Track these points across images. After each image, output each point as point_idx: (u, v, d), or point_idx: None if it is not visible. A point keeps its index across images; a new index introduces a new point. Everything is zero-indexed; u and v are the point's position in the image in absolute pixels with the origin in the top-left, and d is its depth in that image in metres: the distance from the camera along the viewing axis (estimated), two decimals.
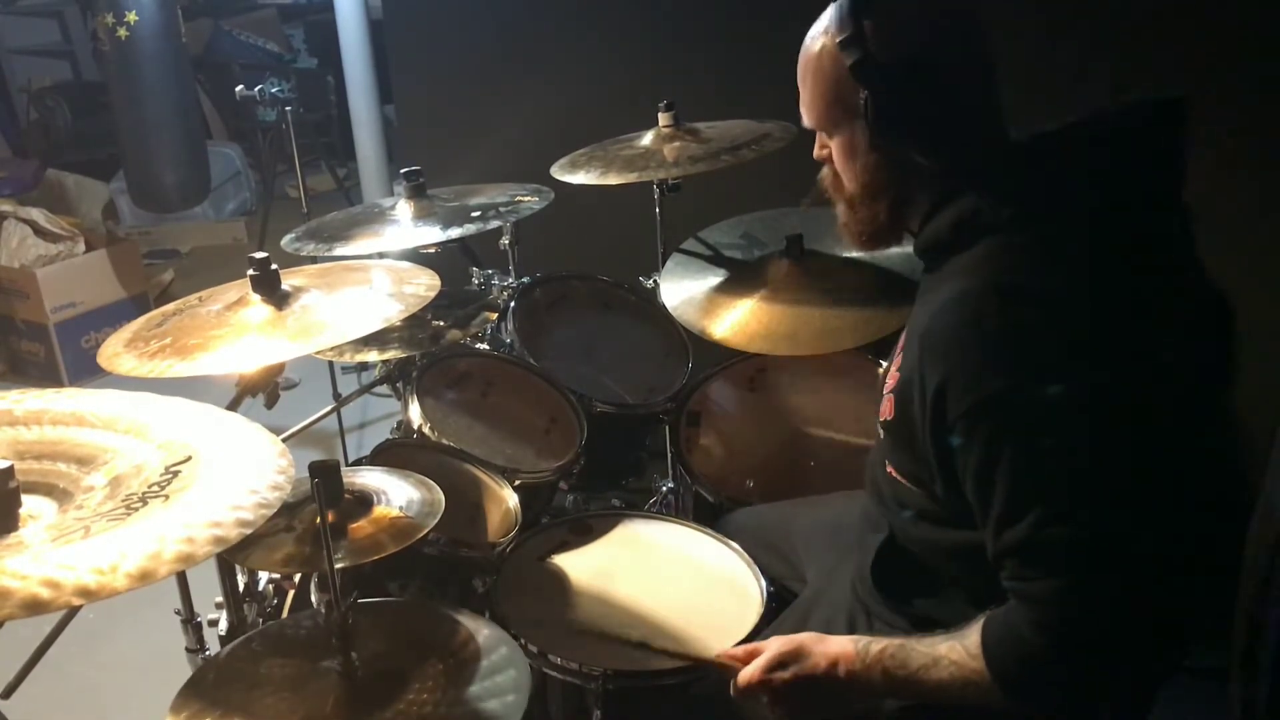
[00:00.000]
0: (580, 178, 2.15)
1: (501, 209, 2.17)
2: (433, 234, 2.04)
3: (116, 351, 1.47)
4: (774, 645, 1.27)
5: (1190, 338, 1.22)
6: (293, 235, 2.10)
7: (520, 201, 2.21)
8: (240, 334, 1.47)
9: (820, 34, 1.22)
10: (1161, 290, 1.21)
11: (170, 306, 1.63)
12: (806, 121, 1.29)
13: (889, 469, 1.30)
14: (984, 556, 1.15)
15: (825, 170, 1.32)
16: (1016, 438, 1.08)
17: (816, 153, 1.32)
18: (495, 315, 2.30)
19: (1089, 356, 1.10)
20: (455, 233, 2.04)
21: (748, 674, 1.27)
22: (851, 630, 1.35)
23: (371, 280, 1.69)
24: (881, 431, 1.30)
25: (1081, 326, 1.11)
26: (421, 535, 1.45)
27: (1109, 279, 1.15)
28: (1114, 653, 1.08)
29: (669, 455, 2.17)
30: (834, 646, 1.22)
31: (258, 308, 1.52)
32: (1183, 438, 1.21)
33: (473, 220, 2.08)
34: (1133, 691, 1.24)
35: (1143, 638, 1.11)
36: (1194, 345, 1.22)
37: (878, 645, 1.19)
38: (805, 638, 1.26)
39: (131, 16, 3.84)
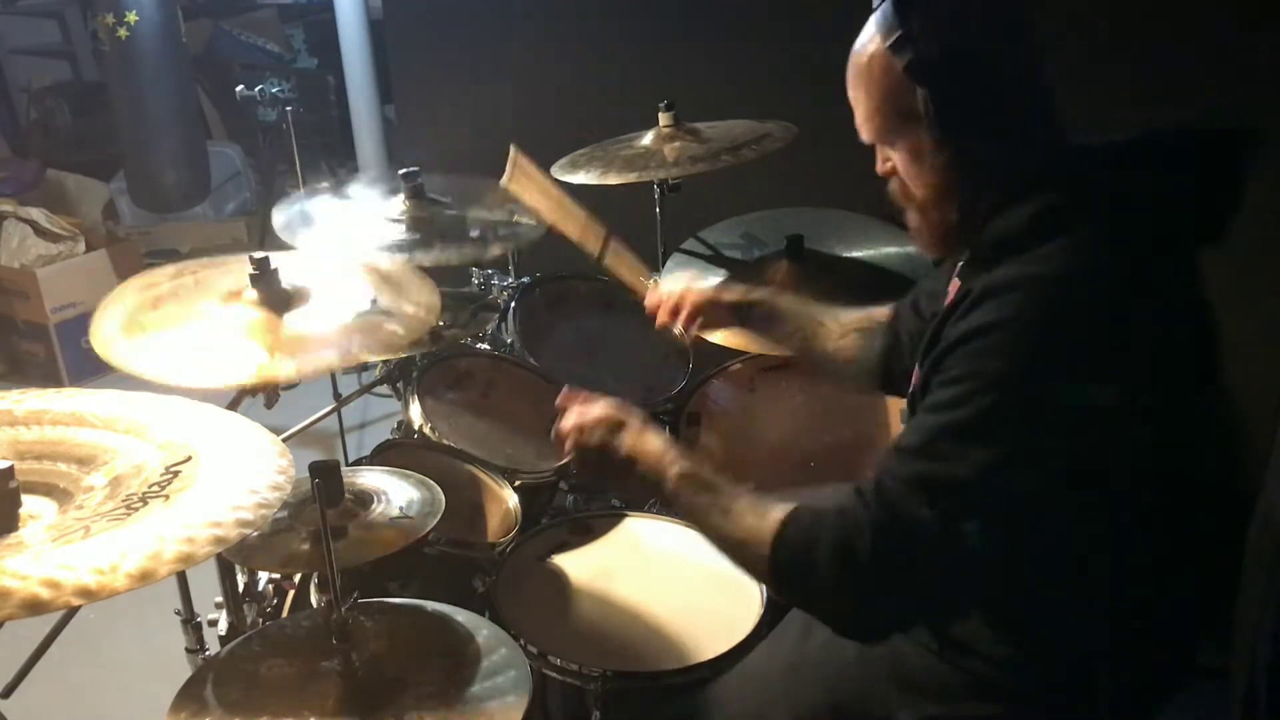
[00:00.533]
0: (580, 178, 2.15)
1: (500, 231, 2.14)
2: (430, 256, 2.00)
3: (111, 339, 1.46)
4: (605, 408, 1.35)
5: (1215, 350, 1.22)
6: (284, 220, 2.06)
7: (518, 224, 2.19)
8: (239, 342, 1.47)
9: (866, 43, 1.21)
10: (1201, 308, 1.21)
11: (165, 288, 1.59)
12: (865, 137, 1.26)
13: None
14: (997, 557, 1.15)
15: (892, 184, 1.28)
16: (1004, 411, 1.07)
17: (880, 168, 1.28)
18: (495, 315, 2.30)
19: (1128, 364, 1.09)
20: (454, 258, 2.01)
21: (571, 419, 1.35)
22: None
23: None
24: (906, 410, 1.30)
25: (1140, 335, 1.10)
26: (422, 535, 1.45)
27: (1168, 289, 1.15)
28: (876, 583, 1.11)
29: None
30: (647, 444, 1.29)
31: (257, 308, 1.51)
32: (1190, 448, 1.20)
33: (471, 241, 2.06)
34: (1136, 694, 1.24)
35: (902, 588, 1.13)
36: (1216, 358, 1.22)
37: (686, 469, 1.25)
38: (633, 418, 1.33)
39: (131, 16, 3.84)
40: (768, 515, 1.17)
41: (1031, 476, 1.09)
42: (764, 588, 1.60)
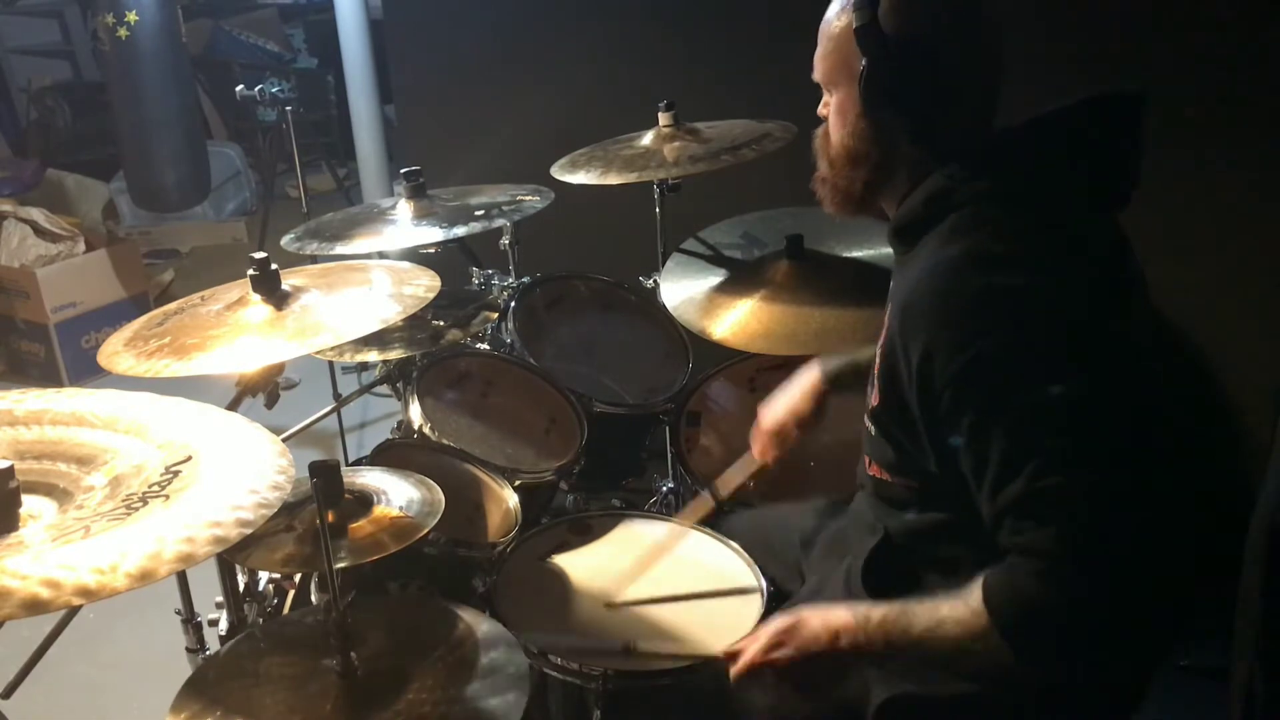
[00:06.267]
0: (580, 178, 2.15)
1: (504, 208, 2.17)
2: (434, 234, 2.04)
3: (116, 350, 1.47)
4: (772, 624, 1.27)
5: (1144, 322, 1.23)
6: (292, 235, 2.10)
7: (522, 201, 2.21)
8: (239, 334, 1.47)
9: None
10: (1121, 270, 1.22)
11: (172, 305, 1.63)
12: (815, 74, 1.29)
13: (871, 467, 1.31)
14: (972, 537, 1.15)
15: (820, 129, 1.32)
16: (1007, 395, 1.08)
17: (820, 109, 1.32)
18: (495, 315, 2.30)
19: (1068, 317, 1.11)
20: (460, 231, 2.04)
21: (748, 656, 1.26)
22: None
23: (371, 281, 1.69)
24: (869, 423, 1.30)
25: (1058, 289, 1.11)
26: (421, 535, 1.45)
27: (1078, 250, 1.16)
28: (1112, 601, 1.07)
29: (669, 455, 2.17)
30: (833, 618, 1.21)
31: (258, 307, 1.52)
32: (1154, 406, 1.21)
33: (476, 219, 2.08)
34: (1125, 678, 1.24)
35: (1140, 588, 1.09)
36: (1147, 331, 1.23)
37: (878, 612, 1.19)
38: (802, 612, 1.25)
39: (131, 16, 3.85)
40: (965, 600, 1.12)
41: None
42: (764, 587, 1.59)
